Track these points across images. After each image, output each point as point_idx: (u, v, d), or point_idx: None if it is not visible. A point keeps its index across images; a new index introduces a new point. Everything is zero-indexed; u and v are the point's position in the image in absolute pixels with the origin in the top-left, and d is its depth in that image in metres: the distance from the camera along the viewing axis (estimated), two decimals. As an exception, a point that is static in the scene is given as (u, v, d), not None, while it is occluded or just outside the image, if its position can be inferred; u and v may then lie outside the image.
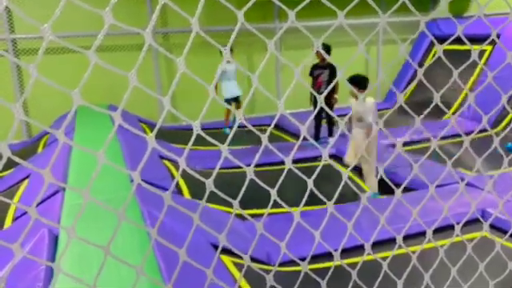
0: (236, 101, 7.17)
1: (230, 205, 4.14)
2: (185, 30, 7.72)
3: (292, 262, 3.37)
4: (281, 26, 8.61)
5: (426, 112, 1.25)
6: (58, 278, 0.91)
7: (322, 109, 6.30)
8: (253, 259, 3.20)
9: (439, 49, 1.14)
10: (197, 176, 0.96)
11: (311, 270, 1.24)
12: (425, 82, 1.17)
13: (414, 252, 1.43)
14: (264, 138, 0.97)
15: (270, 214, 3.80)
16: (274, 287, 1.17)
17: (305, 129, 1.06)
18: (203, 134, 0.93)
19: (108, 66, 0.87)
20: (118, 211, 0.91)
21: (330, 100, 6.26)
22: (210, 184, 0.93)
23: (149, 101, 7.70)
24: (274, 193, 1.01)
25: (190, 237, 0.98)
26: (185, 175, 4.98)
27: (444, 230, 3.12)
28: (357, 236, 1.23)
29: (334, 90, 6.27)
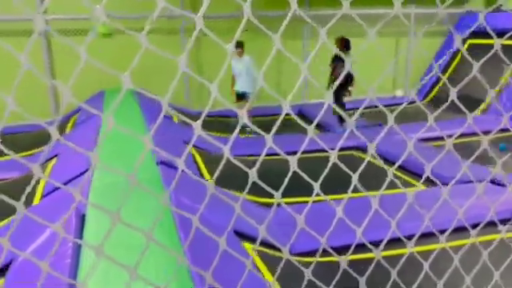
0: (243, 97, 6.76)
1: (253, 193, 4.15)
2: (212, 16, 7.71)
3: (309, 253, 3.35)
4: (311, 13, 8.50)
5: (477, 110, 1.20)
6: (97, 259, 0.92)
7: (337, 95, 6.23)
8: (275, 247, 3.20)
9: (496, 43, 1.09)
10: (239, 165, 0.94)
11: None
12: (479, 77, 1.12)
13: (452, 248, 1.39)
14: (310, 129, 0.94)
15: (291, 203, 3.78)
16: (308, 279, 1.15)
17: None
18: (251, 125, 0.91)
19: (158, 49, 0.85)
20: (160, 196, 0.90)
21: (340, 92, 6.20)
22: (253, 174, 0.91)
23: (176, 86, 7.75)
24: (317, 186, 0.99)
25: (230, 227, 0.97)
26: (207, 162, 5.00)
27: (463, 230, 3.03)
28: (399, 234, 1.20)
29: (348, 83, 6.19)
